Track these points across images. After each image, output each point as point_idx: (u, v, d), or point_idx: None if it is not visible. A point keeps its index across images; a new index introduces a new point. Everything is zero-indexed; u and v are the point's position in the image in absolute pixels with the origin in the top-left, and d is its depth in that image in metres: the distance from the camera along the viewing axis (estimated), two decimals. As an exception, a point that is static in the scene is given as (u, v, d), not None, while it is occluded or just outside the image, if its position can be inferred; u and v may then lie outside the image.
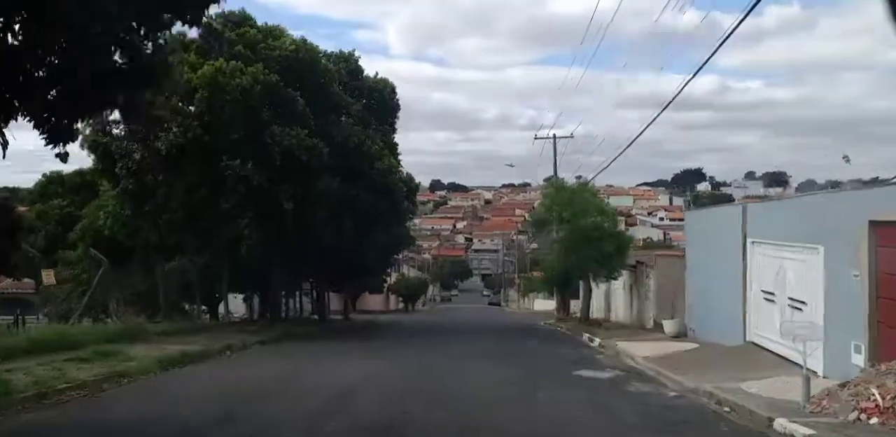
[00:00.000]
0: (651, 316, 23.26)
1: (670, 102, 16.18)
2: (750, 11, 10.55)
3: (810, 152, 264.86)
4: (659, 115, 18.62)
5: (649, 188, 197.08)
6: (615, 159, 26.07)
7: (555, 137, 33.70)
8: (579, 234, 24.05)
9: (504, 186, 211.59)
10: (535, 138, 34.27)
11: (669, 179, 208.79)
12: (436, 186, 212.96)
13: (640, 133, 20.91)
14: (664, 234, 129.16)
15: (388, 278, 54.16)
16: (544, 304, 56.85)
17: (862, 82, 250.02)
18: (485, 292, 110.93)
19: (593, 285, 26.46)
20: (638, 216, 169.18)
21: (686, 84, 14.88)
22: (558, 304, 33.69)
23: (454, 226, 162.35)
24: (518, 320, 38.45)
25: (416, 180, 24.83)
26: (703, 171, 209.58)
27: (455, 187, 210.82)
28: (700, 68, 14.84)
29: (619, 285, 28.92)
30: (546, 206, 25.74)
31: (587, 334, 21.57)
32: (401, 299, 57.38)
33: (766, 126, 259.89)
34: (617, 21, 35.30)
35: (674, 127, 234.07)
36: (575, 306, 37.83)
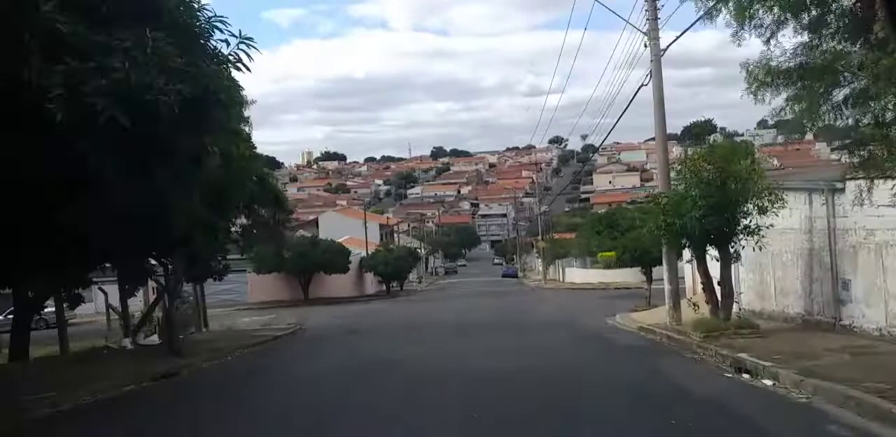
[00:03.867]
0: None
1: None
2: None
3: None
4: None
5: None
6: None
7: None
8: None
9: (508, 149, 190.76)
10: None
11: (679, 133, 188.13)
12: (437, 153, 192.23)
13: None
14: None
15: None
16: (585, 275, 36.62)
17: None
18: (496, 260, 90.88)
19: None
20: (653, 171, 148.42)
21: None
22: (698, 279, 13.50)
23: (458, 191, 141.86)
24: (575, 316, 18.41)
25: None
26: (714, 122, 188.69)
27: (457, 154, 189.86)
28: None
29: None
30: None
31: None
32: (379, 278, 37.49)
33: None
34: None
35: (674, 85, 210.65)
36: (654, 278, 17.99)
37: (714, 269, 12.19)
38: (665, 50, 14.82)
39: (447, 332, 15.18)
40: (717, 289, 11.85)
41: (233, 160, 12.32)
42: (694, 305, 12.68)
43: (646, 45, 14.74)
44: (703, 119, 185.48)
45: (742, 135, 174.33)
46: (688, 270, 19.25)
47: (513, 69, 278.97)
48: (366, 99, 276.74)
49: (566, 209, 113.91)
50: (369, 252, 38.81)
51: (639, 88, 15.74)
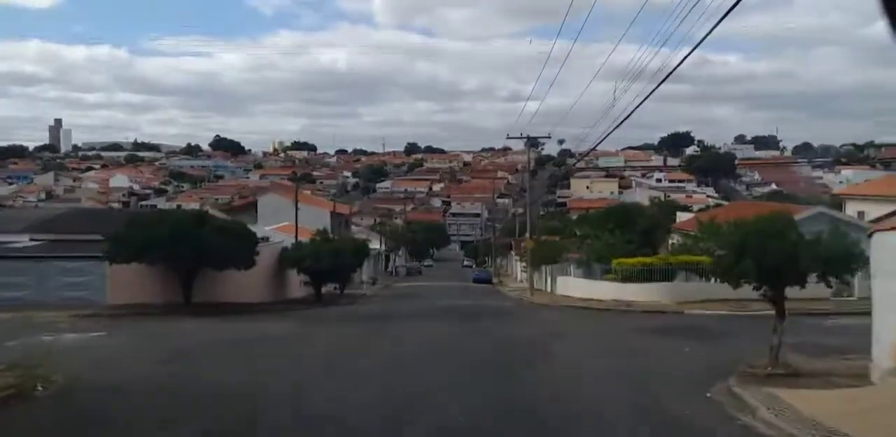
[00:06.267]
0: None
1: (670, 74, 11.41)
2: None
3: (782, 125, 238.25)
4: (662, 83, 11.84)
5: (638, 151, 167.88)
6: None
7: None
8: None
9: (484, 149, 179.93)
10: None
11: (656, 143, 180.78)
12: (411, 149, 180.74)
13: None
14: (665, 195, 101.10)
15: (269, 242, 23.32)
16: (590, 288, 25.67)
17: (836, 58, 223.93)
18: (466, 262, 79.90)
19: None
20: (632, 178, 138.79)
21: (687, 56, 10.45)
22: None
23: (430, 188, 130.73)
24: (644, 391, 7.17)
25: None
26: (692, 134, 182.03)
27: (432, 150, 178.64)
28: (699, 43, 10.03)
29: None
30: None
31: None
32: (306, 278, 26.16)
33: (741, 100, 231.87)
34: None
35: (650, 100, 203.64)
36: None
37: None
38: None
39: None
40: None
41: None
42: None
43: None
44: (680, 131, 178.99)
45: (718, 149, 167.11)
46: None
47: (494, 74, 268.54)
48: (344, 94, 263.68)
49: (542, 212, 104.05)
50: (299, 242, 27.46)
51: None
